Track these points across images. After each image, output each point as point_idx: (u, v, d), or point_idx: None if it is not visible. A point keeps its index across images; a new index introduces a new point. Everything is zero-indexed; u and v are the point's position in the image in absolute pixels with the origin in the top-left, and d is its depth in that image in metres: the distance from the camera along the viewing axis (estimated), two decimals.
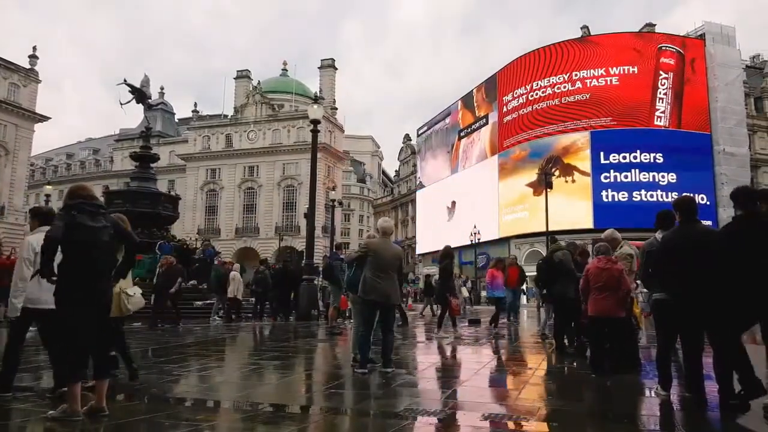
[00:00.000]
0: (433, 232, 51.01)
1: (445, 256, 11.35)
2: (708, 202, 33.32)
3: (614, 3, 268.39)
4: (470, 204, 46.25)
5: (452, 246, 12.81)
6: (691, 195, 7.40)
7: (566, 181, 37.21)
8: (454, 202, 50.10)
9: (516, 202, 41.04)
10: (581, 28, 44.50)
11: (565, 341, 8.50)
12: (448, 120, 53.98)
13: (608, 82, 37.91)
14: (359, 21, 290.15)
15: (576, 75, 38.99)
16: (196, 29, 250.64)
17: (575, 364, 7.28)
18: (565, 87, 39.39)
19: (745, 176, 36.54)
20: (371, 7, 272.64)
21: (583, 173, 37.33)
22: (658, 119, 36.73)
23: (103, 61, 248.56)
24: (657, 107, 36.82)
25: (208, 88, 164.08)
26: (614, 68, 37.82)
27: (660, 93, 36.92)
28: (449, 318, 11.22)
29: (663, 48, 37.71)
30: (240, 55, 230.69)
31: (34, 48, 46.96)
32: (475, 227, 39.25)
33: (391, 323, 6.58)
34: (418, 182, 60.78)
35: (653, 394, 5.11)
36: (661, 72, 37.05)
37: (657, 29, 43.18)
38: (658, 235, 5.21)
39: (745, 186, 5.09)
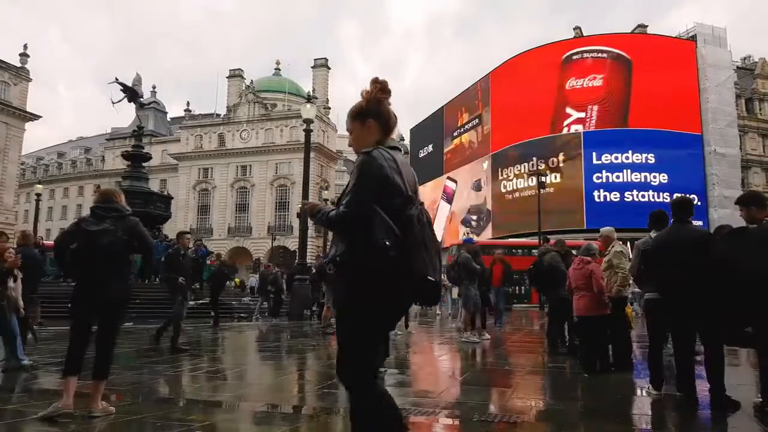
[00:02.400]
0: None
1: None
2: (699, 203, 33.46)
3: (614, 3, 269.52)
4: (462, 204, 46.28)
5: (447, 246, 12.60)
6: (688, 196, 7.45)
7: (555, 178, 37.35)
8: (448, 201, 50.13)
9: (508, 202, 41.12)
10: (574, 29, 44.64)
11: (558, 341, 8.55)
12: (441, 120, 53.93)
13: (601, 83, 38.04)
14: (357, 21, 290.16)
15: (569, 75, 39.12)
16: (193, 29, 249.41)
17: (567, 363, 7.31)
18: (558, 87, 39.50)
19: (736, 177, 36.81)
20: (369, 7, 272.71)
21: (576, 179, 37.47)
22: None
23: (100, 60, 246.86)
24: None
25: (204, 88, 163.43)
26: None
27: None
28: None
29: None
30: (237, 55, 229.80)
31: (25, 46, 46.41)
32: (468, 227, 39.31)
33: None
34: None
35: (645, 393, 5.14)
36: None
37: (656, 30, 43.52)
38: (653, 234, 5.25)
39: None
